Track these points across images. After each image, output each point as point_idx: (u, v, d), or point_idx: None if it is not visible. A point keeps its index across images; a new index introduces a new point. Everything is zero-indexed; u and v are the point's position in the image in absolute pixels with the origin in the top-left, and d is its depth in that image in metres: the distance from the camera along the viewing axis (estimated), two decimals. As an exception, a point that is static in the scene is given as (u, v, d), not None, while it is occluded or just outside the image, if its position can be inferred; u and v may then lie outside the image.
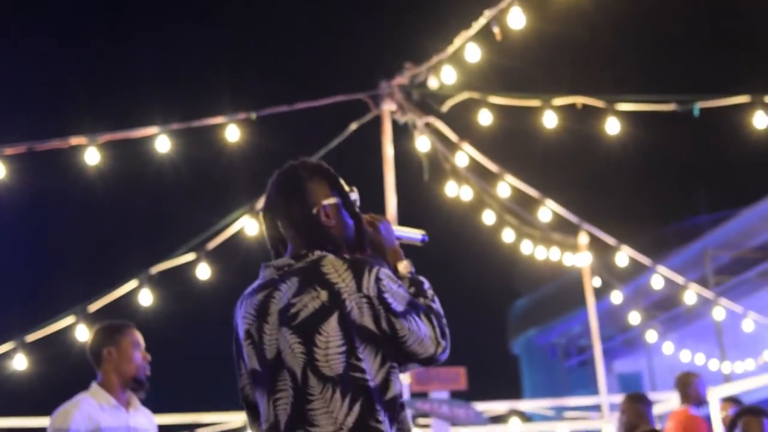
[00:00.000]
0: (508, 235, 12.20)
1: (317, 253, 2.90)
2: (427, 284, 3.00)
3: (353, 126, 10.39)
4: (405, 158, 10.60)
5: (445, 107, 10.15)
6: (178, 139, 9.22)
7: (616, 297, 13.78)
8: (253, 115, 9.59)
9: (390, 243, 3.08)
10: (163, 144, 9.10)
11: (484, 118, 9.84)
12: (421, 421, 10.37)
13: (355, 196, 3.06)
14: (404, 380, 10.22)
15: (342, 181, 3.06)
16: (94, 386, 4.65)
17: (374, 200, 10.60)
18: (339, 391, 2.72)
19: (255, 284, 3.02)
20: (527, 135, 10.36)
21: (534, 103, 9.45)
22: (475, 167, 11.04)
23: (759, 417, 5.88)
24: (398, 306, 2.79)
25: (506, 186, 11.32)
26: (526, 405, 12.52)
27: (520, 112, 9.70)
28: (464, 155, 10.95)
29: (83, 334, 8.79)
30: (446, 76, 9.23)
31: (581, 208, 12.08)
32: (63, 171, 9.68)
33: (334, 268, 2.81)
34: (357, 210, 3.04)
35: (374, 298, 2.77)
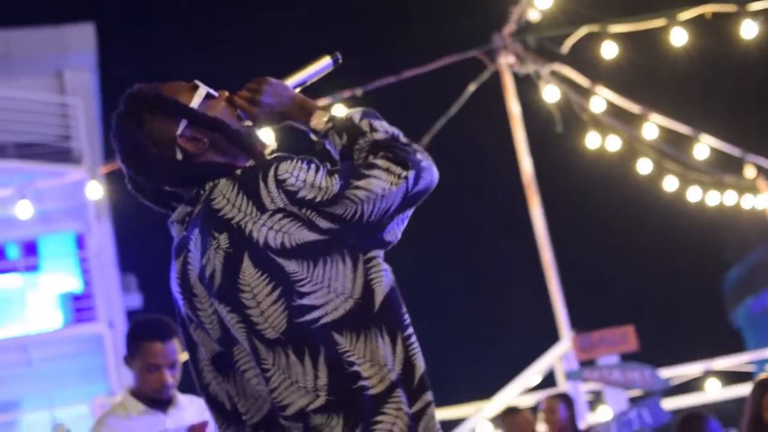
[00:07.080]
0: (670, 183, 11.13)
1: (208, 185, 2.28)
2: (358, 115, 2.30)
3: (472, 87, 9.67)
4: (532, 113, 9.78)
5: (565, 48, 9.29)
6: (281, 130, 8.79)
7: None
8: (359, 92, 9.04)
9: (286, 102, 2.39)
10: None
11: (608, 51, 8.91)
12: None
13: (199, 95, 2.34)
14: (567, 350, 9.37)
15: (179, 93, 2.34)
16: (124, 394, 4.11)
17: (507, 162, 9.86)
18: (293, 353, 2.13)
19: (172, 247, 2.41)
20: (657, 62, 9.37)
21: (659, 22, 8.51)
22: (612, 110, 10.07)
23: None
24: (323, 193, 2.15)
25: (653, 127, 10.27)
26: (722, 363, 11.36)
27: (645, 37, 8.75)
28: (600, 100, 10.00)
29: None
30: (541, 2, 8.41)
31: (740, 137, 10.86)
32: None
33: (225, 197, 2.20)
34: (209, 114, 2.33)
35: (290, 206, 2.15)
